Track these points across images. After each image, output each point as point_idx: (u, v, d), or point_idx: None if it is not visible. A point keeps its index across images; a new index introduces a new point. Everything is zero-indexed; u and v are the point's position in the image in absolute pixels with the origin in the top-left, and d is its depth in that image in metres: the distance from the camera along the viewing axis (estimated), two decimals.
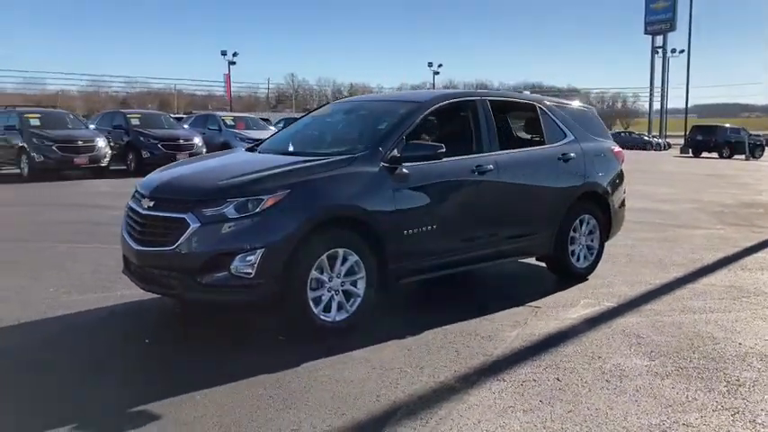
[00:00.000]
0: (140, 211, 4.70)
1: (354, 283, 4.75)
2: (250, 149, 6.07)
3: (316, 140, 5.99)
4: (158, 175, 5.11)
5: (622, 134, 61.48)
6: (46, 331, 4.83)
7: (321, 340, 4.55)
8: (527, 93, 7.00)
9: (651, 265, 7.12)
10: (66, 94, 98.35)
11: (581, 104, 7.04)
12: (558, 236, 6.11)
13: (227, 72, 62.28)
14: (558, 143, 6.20)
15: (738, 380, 3.98)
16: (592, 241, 6.46)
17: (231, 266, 4.31)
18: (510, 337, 4.73)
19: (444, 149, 5.03)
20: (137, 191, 4.96)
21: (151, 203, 4.64)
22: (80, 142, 16.58)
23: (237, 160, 5.67)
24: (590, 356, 4.36)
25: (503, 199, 5.59)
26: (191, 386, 3.80)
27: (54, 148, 16.14)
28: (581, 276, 6.38)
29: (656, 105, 74.17)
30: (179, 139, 18.44)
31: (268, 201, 4.37)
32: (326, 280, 4.60)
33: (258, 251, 4.30)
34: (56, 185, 15.33)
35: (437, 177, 5.20)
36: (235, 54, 61.94)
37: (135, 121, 19.17)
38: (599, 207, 6.47)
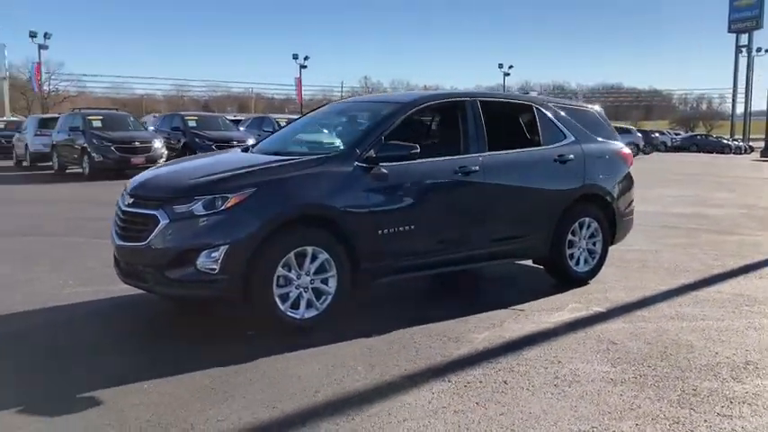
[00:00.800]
0: (122, 207, 4.90)
1: (326, 281, 4.81)
2: (245, 150, 6.21)
3: (304, 140, 6.08)
4: (143, 174, 5.31)
5: (699, 137, 59.20)
6: (30, 321, 5.07)
7: (289, 336, 4.61)
8: (533, 93, 6.85)
9: (663, 271, 6.90)
10: (152, 97, 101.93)
11: (586, 105, 6.87)
12: (553, 239, 6.00)
13: (299, 76, 63.40)
14: (556, 144, 6.09)
15: (695, 390, 3.84)
16: (594, 245, 6.31)
17: (197, 262, 4.45)
18: (478, 338, 4.70)
19: (418, 150, 5.03)
20: (124, 189, 5.17)
21: (130, 200, 4.84)
22: (137, 143, 17.28)
23: (219, 160, 5.84)
24: (550, 361, 4.28)
25: (490, 200, 5.54)
26: (146, 375, 3.95)
27: (113, 148, 16.89)
28: (581, 280, 6.24)
29: (741, 107, 71.03)
30: (232, 140, 18.95)
31: (233, 199, 4.49)
32: (295, 277, 4.68)
33: (222, 248, 4.43)
34: (113, 184, 15.98)
35: (417, 178, 5.21)
36: (306, 58, 63.12)
37: (192, 123, 19.88)
38: (601, 210, 6.31)
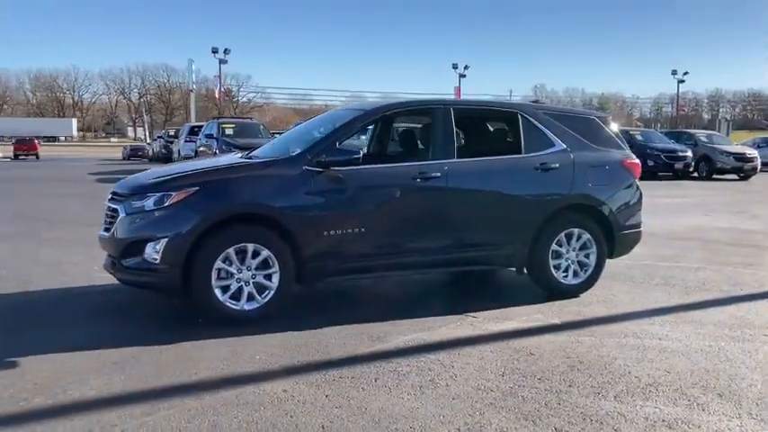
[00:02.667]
0: (105, 203, 5.58)
1: (269, 277, 5.16)
2: (247, 156, 6.65)
3: (283, 146, 6.42)
4: (131, 175, 5.97)
5: None
6: (37, 298, 5.92)
7: (231, 326, 5.01)
8: (525, 101, 6.73)
9: (673, 289, 6.51)
10: (331, 107, 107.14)
11: (586, 112, 6.63)
12: (534, 248, 5.90)
13: (458, 85, 63.88)
14: (540, 152, 5.98)
15: (558, 405, 3.74)
16: (586, 257, 6.11)
17: (144, 252, 4.99)
18: (397, 340, 4.81)
19: (360, 155, 5.24)
20: None
21: (109, 197, 5.49)
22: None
23: (198, 162, 6.36)
24: (443, 365, 4.33)
25: (453, 207, 5.59)
26: (81, 346, 4.52)
27: None
28: (570, 293, 6.07)
29: None
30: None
31: (176, 196, 4.98)
32: (235, 271, 5.07)
33: (162, 240, 4.93)
34: None
35: (372, 182, 5.42)
36: (466, 67, 63.37)
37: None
38: (595, 221, 6.10)
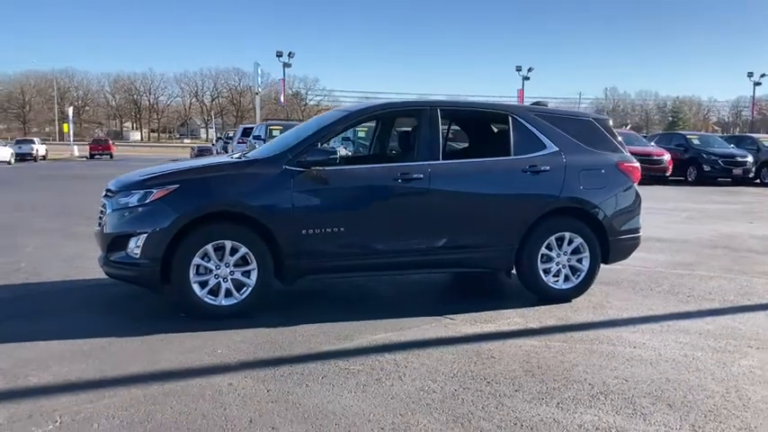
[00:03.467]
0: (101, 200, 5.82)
1: (247, 274, 5.28)
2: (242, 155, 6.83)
3: (277, 146, 6.52)
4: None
5: None
6: (36, 290, 6.21)
7: (209, 320, 5.15)
8: (514, 103, 6.62)
9: (675, 297, 6.32)
10: None
11: (583, 114, 6.49)
12: (522, 251, 5.84)
13: (521, 87, 63.07)
14: (530, 155, 5.90)
15: (494, 410, 3.71)
16: (579, 262, 6.00)
17: (127, 247, 5.19)
18: (363, 340, 4.86)
19: (336, 155, 5.31)
20: None
21: (103, 194, 5.72)
22: None
23: (188, 162, 6.53)
24: (395, 365, 4.34)
25: (437, 208, 5.58)
26: (41, 336, 4.74)
27: None
28: (561, 298, 5.98)
29: None
30: None
31: (157, 193, 5.15)
32: (213, 267, 5.21)
33: (142, 236, 5.11)
34: None
35: (352, 182, 5.47)
36: (530, 70, 62.54)
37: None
38: (588, 225, 5.98)
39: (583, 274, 5.99)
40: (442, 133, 5.80)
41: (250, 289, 5.27)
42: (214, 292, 5.24)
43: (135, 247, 5.12)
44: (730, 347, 4.84)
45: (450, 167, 5.70)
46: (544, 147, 5.94)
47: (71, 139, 63.34)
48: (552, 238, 5.88)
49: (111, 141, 57.13)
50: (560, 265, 5.95)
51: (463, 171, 5.74)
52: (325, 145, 5.55)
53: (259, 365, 4.29)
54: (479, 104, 6.24)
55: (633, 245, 6.19)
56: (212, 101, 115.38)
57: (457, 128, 6.32)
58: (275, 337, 4.84)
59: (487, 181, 5.74)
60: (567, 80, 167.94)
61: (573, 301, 6.02)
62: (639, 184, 6.28)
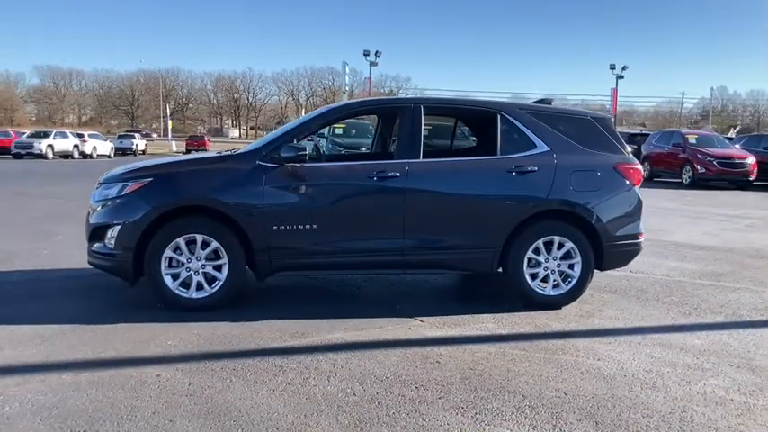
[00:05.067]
0: None
1: (218, 268, 5.36)
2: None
3: (257, 142, 6.53)
4: None
5: None
6: (41, 276, 6.51)
7: (179, 312, 5.27)
8: (505, 100, 6.31)
9: (678, 308, 5.92)
10: None
11: (580, 113, 6.16)
12: (505, 254, 5.64)
13: (615, 87, 60.86)
14: (518, 154, 5.68)
15: (394, 417, 3.60)
16: (571, 268, 5.73)
17: (105, 238, 5.37)
18: (316, 338, 4.82)
19: (305, 152, 5.28)
20: None
21: (95, 186, 5.94)
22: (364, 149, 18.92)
23: (177, 156, 6.63)
24: (331, 365, 4.28)
25: (414, 208, 5.46)
26: (8, 320, 4.96)
27: (342, 151, 18.73)
28: (549, 305, 5.73)
29: None
30: None
31: (131, 186, 5.30)
32: (185, 260, 5.31)
33: (117, 227, 5.27)
34: None
35: (325, 179, 5.45)
36: (624, 68, 60.21)
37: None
38: (580, 229, 5.70)
39: (574, 281, 5.70)
40: (425, 131, 5.63)
41: (221, 283, 5.33)
42: (186, 284, 5.32)
43: (110, 237, 5.27)
44: (707, 365, 4.48)
45: (429, 166, 5.55)
46: (534, 146, 5.70)
47: (169, 135, 66.28)
48: (540, 242, 5.63)
49: (206, 138, 59.60)
50: (549, 271, 5.68)
51: (443, 170, 5.58)
52: (302, 142, 5.51)
53: (198, 358, 4.32)
54: (467, 102, 6.02)
55: (631, 251, 5.83)
56: (307, 99, 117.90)
57: (443, 125, 6.11)
58: (231, 331, 4.87)
59: (468, 181, 5.55)
60: (669, 79, 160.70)
61: (563, 308, 5.74)
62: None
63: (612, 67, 60.14)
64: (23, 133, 39.84)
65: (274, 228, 5.29)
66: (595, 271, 5.84)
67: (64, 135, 38.64)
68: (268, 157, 5.35)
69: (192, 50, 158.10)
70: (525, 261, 5.62)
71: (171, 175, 5.40)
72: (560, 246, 5.66)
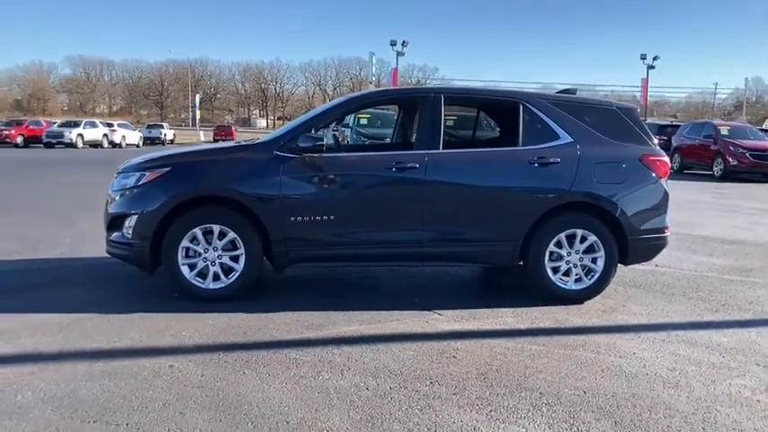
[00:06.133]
0: None
1: (235, 259, 5.33)
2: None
3: (276, 132, 6.47)
4: None
5: None
6: (60, 264, 6.56)
7: (195, 302, 5.25)
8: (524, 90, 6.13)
9: (705, 305, 5.76)
10: None
11: (605, 103, 6.00)
12: (526, 247, 5.53)
13: (646, 77, 59.87)
14: (540, 145, 5.55)
15: (407, 413, 3.53)
16: (594, 262, 5.60)
17: (123, 227, 5.36)
18: (332, 331, 4.77)
19: (323, 142, 5.21)
20: None
21: (115, 175, 5.94)
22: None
23: (199, 146, 6.61)
24: (346, 359, 4.22)
25: (433, 199, 5.37)
26: (32, 309, 4.99)
27: (366, 142, 18.66)
28: (571, 299, 5.61)
29: None
30: None
31: (149, 176, 5.29)
32: (202, 251, 5.29)
33: (134, 216, 5.26)
34: None
35: (341, 170, 5.38)
36: (655, 58, 59.14)
37: None
38: (603, 222, 5.57)
39: (597, 275, 5.57)
40: (445, 122, 5.53)
41: (237, 274, 5.29)
42: (203, 275, 5.30)
43: (128, 227, 5.27)
44: (733, 364, 4.34)
45: (448, 157, 5.45)
46: (557, 137, 5.56)
47: (197, 124, 66.78)
48: (562, 235, 5.51)
49: (233, 128, 59.95)
50: (571, 264, 5.56)
51: (463, 161, 5.48)
52: (320, 132, 5.45)
53: (212, 350, 4.29)
54: (488, 92, 5.88)
55: (657, 245, 5.68)
56: (334, 90, 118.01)
57: (464, 116, 6.01)
58: (247, 323, 4.83)
59: (488, 172, 5.45)
60: (701, 69, 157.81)
61: (585, 303, 5.62)
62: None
63: (643, 57, 59.12)
64: (54, 123, 40.37)
65: (291, 219, 5.23)
66: (619, 265, 5.68)
67: (93, 125, 39.14)
68: (285, 148, 5.29)
69: (221, 41, 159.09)
70: (547, 254, 5.50)
71: (188, 165, 5.37)
72: (583, 239, 5.53)
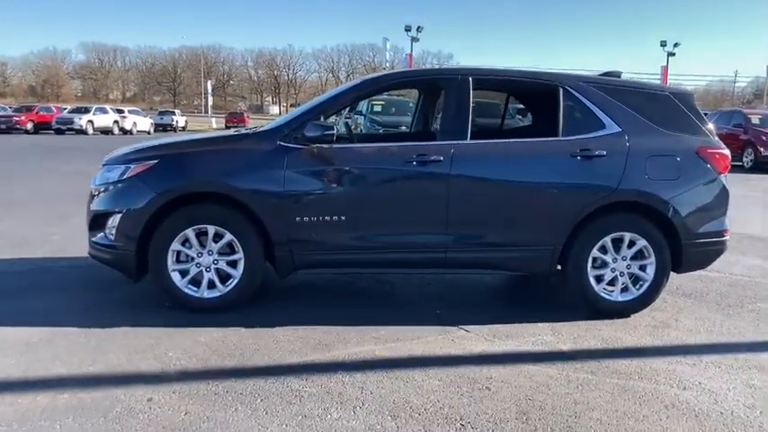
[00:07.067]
0: None
1: (233, 264, 4.66)
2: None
3: (279, 120, 5.79)
4: None
5: None
6: (43, 265, 5.95)
7: (189, 313, 4.61)
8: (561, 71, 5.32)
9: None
10: None
11: (658, 87, 5.24)
12: (566, 253, 4.81)
13: (665, 64, 58.51)
14: (583, 135, 4.82)
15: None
16: (642, 270, 4.88)
17: (106, 227, 4.69)
18: (343, 352, 4.10)
19: (334, 132, 4.52)
20: None
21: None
22: (404, 127, 18.04)
23: (191, 135, 5.91)
24: (358, 391, 3.55)
25: (457, 197, 4.66)
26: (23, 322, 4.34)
27: (380, 130, 17.89)
28: (616, 312, 4.90)
29: None
30: None
31: (134, 169, 4.61)
32: (195, 255, 4.62)
33: (117, 216, 4.59)
34: None
35: (354, 163, 4.69)
36: (675, 45, 57.78)
37: None
38: (655, 225, 4.84)
39: (646, 285, 4.85)
40: (473, 108, 4.80)
41: (235, 281, 4.63)
42: (196, 282, 4.63)
43: (111, 227, 4.61)
44: None
45: (478, 149, 4.74)
46: (602, 126, 4.83)
47: (209, 111, 66.27)
48: (608, 239, 4.79)
49: (246, 115, 59.33)
50: (617, 273, 4.84)
51: (494, 154, 4.76)
52: (330, 120, 4.74)
53: (200, 377, 3.63)
54: (523, 73, 5.10)
55: (715, 251, 4.94)
56: (347, 76, 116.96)
57: (491, 102, 5.26)
58: (243, 340, 4.16)
59: (524, 166, 4.73)
60: (721, 56, 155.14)
61: (632, 316, 4.90)
62: None
63: (663, 44, 57.83)
64: (65, 109, 39.89)
65: (297, 219, 4.55)
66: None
67: (104, 111, 38.64)
68: (291, 137, 4.60)
69: (233, 27, 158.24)
70: (590, 261, 4.80)
71: (179, 156, 4.68)
72: (631, 244, 4.82)
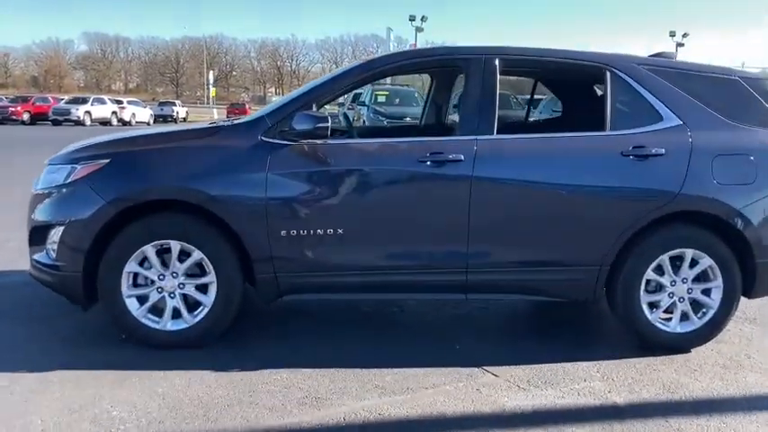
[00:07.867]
0: None
1: (203, 288, 3.76)
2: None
3: (262, 110, 4.89)
4: None
5: None
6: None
7: (148, 350, 3.72)
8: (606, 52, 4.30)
9: None
10: None
11: (726, 70, 4.29)
12: (615, 275, 3.90)
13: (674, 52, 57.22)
14: (636, 129, 3.90)
15: None
16: (706, 294, 3.96)
17: (47, 243, 3.79)
18: (340, 409, 3.19)
19: (328, 125, 3.60)
20: None
21: None
22: (408, 118, 17.15)
23: (150, 129, 5.00)
24: None
25: (483, 205, 3.76)
26: None
27: (384, 121, 17.01)
28: (674, 346, 4.00)
29: None
30: None
31: (81, 170, 3.72)
32: (155, 277, 3.71)
33: (59, 228, 3.69)
34: None
35: (353, 163, 3.78)
36: (684, 35, 56.48)
37: None
38: (723, 240, 3.92)
39: (711, 312, 3.95)
40: (500, 96, 3.87)
41: (206, 309, 3.74)
42: (158, 310, 3.73)
43: (53, 242, 3.71)
44: None
45: (506, 146, 3.83)
46: (660, 118, 3.91)
47: (211, 102, 65.37)
48: (665, 258, 3.88)
49: (247, 105, 58.39)
50: (676, 298, 3.91)
51: (527, 152, 3.85)
52: (322, 110, 3.83)
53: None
54: (561, 53, 4.08)
55: None
56: None
57: (522, 89, 4.32)
58: (211, 392, 3.27)
59: (564, 168, 3.81)
60: (727, 46, 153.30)
61: (692, 351, 3.97)
62: None
63: (672, 35, 56.48)
64: (62, 99, 39.02)
65: (282, 232, 3.65)
66: None
67: (102, 101, 37.81)
68: (275, 131, 3.70)
69: (236, 17, 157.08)
70: (643, 283, 3.87)
71: (136, 154, 3.77)
72: (693, 263, 3.89)
